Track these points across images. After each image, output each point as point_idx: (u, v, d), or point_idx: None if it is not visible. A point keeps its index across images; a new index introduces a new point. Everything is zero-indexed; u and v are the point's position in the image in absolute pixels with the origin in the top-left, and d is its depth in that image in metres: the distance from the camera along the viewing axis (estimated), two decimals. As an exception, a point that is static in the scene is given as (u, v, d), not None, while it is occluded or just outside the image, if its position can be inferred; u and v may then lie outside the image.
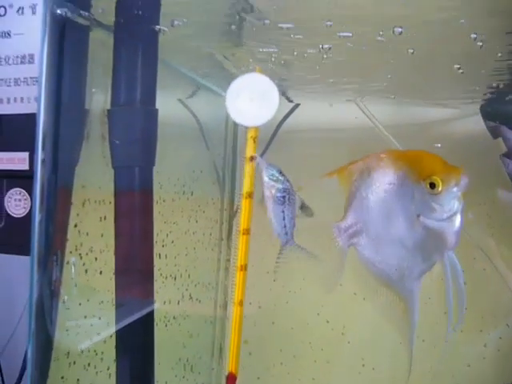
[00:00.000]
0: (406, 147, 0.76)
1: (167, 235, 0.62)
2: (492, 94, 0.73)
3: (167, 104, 0.73)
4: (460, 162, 0.77)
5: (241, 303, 0.48)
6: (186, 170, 0.68)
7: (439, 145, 0.78)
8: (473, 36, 0.50)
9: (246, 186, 0.41)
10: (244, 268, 0.51)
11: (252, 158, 0.42)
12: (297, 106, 0.79)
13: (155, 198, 0.59)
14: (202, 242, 0.71)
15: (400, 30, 0.49)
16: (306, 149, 0.81)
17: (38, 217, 0.46)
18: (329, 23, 0.51)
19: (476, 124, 0.75)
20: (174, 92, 0.75)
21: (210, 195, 0.73)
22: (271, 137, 0.80)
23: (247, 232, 0.48)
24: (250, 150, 0.41)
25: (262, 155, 0.74)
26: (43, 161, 0.48)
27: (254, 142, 0.41)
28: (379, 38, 0.54)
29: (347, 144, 0.79)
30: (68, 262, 0.51)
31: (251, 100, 0.40)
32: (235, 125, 0.81)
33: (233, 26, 0.50)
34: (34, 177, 0.48)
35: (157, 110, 0.49)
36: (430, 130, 0.78)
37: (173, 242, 0.63)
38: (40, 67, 0.47)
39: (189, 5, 0.45)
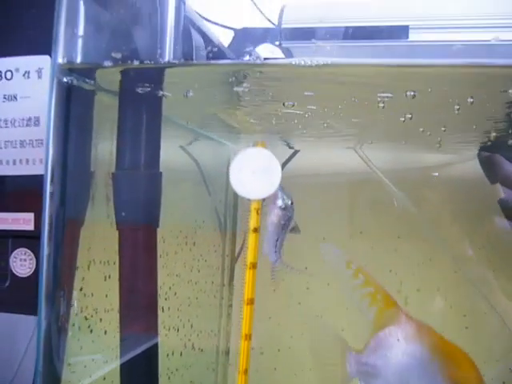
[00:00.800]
0: (404, 190, 0.77)
1: (170, 288, 0.63)
2: (489, 140, 0.74)
3: (168, 150, 0.74)
4: (458, 205, 0.79)
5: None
6: (189, 220, 0.69)
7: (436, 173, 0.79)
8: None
9: (250, 257, 0.42)
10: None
11: (256, 230, 0.43)
12: (296, 152, 0.80)
13: (158, 252, 0.59)
14: (204, 290, 0.72)
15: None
16: (307, 193, 0.82)
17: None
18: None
19: (474, 169, 0.76)
20: (175, 139, 0.76)
21: (211, 243, 0.74)
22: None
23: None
24: (253, 222, 0.42)
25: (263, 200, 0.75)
26: (50, 223, 0.48)
27: (258, 213, 0.41)
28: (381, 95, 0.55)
29: (347, 188, 0.80)
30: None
31: (254, 173, 0.41)
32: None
33: (234, 89, 0.51)
34: (40, 239, 0.48)
35: (161, 174, 0.50)
36: (428, 175, 0.79)
37: (175, 294, 0.64)
38: (47, 132, 0.48)
39: (192, 74, 0.47)
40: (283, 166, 0.82)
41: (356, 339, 0.79)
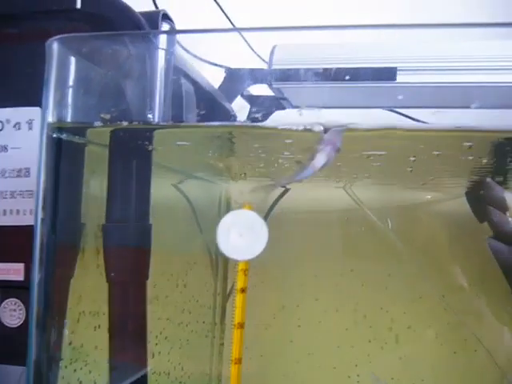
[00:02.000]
0: (394, 228, 0.78)
1: (161, 332, 0.63)
2: (477, 180, 0.75)
3: (160, 188, 0.74)
4: (448, 243, 0.79)
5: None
6: (180, 262, 0.69)
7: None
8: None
9: (237, 317, 0.42)
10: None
11: (243, 290, 0.43)
12: (287, 190, 0.81)
13: (149, 298, 0.60)
14: (195, 331, 0.72)
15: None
16: (298, 230, 0.83)
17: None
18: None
19: (463, 207, 0.76)
20: (167, 177, 0.77)
21: (203, 282, 0.74)
22: (264, 218, 0.82)
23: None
24: (241, 283, 0.42)
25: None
26: (40, 280, 0.49)
27: (245, 274, 0.42)
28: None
29: (337, 226, 0.81)
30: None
31: (241, 235, 0.41)
32: (227, 208, 0.82)
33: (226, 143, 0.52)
34: (29, 289, 0.49)
35: (150, 225, 0.51)
36: (417, 211, 0.80)
37: (166, 338, 0.64)
38: (38, 184, 0.48)
39: (182, 132, 0.48)
40: (274, 203, 0.83)
41: (347, 378, 0.79)
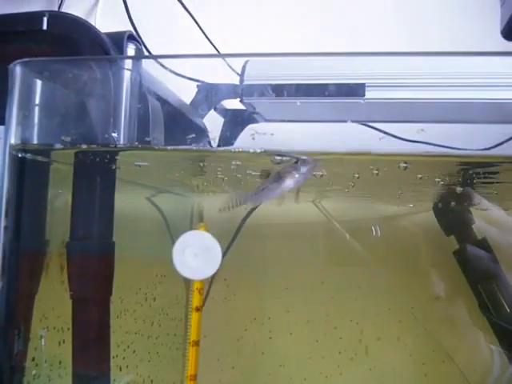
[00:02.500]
0: (364, 241, 0.79)
1: (128, 346, 0.64)
2: (443, 194, 0.77)
3: (131, 202, 0.76)
4: (416, 256, 0.81)
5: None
6: (149, 276, 0.70)
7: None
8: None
9: (193, 335, 0.43)
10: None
11: (198, 309, 0.44)
12: (257, 206, 0.82)
13: (116, 312, 0.60)
14: (165, 344, 0.72)
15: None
16: (270, 244, 0.84)
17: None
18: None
19: (430, 221, 0.78)
20: (139, 191, 0.78)
21: (173, 295, 0.75)
22: (236, 232, 0.83)
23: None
24: (196, 301, 0.43)
25: (226, 250, 0.77)
26: (2, 288, 0.49)
27: (200, 293, 0.43)
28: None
29: (308, 239, 0.82)
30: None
31: (196, 255, 0.42)
32: (200, 220, 0.83)
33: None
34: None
35: (114, 243, 0.51)
36: (386, 224, 0.82)
37: (134, 351, 0.64)
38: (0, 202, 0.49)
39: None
40: (246, 217, 0.84)
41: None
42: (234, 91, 0.70)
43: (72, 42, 0.52)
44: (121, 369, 0.62)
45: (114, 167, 0.51)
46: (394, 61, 0.73)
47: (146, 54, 0.88)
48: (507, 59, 0.48)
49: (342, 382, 0.80)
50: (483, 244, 0.73)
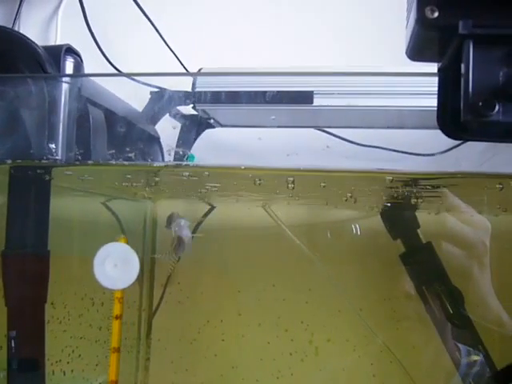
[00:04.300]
0: (313, 244, 0.81)
1: (73, 351, 0.65)
2: (391, 202, 0.79)
3: (84, 207, 0.77)
4: (365, 259, 0.83)
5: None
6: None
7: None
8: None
9: (113, 342, 0.45)
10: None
11: (118, 317, 0.45)
12: (212, 208, 0.84)
13: (59, 315, 0.62)
14: (115, 347, 0.73)
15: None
16: (222, 246, 0.85)
17: None
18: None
19: (378, 225, 0.80)
20: (93, 196, 0.79)
21: (125, 299, 0.76)
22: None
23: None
24: (116, 310, 0.45)
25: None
26: None
27: (120, 302, 0.44)
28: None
29: (259, 242, 0.84)
30: None
31: (115, 266, 0.44)
32: (154, 223, 0.85)
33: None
34: None
35: (48, 252, 0.53)
36: (336, 228, 0.83)
37: (80, 355, 0.66)
38: None
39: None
40: (201, 220, 0.86)
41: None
42: (186, 98, 0.72)
43: (7, 55, 0.53)
44: (65, 373, 0.63)
45: (48, 178, 0.52)
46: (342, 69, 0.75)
47: (105, 62, 0.90)
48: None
49: (293, 383, 0.82)
50: (428, 248, 0.75)
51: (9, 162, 0.45)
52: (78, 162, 0.51)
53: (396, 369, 0.80)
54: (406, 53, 0.41)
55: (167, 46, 0.90)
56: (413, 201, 0.75)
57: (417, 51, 0.40)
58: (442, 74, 0.39)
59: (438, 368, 0.77)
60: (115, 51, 0.91)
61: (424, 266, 0.77)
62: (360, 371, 0.82)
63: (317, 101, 0.75)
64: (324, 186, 0.65)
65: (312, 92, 0.75)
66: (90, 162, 0.52)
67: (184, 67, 0.94)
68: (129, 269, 0.45)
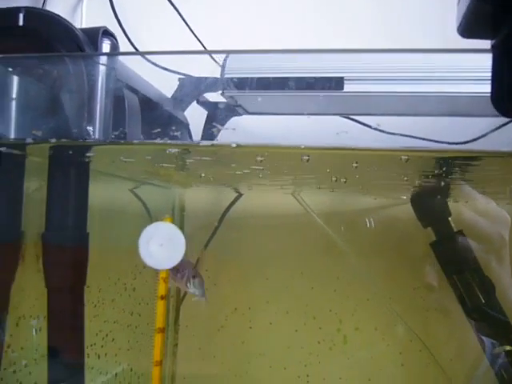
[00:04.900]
0: (342, 233, 0.81)
1: (107, 335, 0.65)
2: (421, 187, 0.78)
3: (113, 194, 0.77)
4: (394, 247, 0.82)
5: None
6: (129, 266, 0.71)
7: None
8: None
9: (158, 322, 0.45)
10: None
11: (163, 297, 0.45)
12: (239, 196, 0.84)
13: (94, 300, 0.62)
14: (145, 333, 0.74)
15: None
16: (251, 234, 0.85)
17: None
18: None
19: (408, 213, 0.79)
20: (122, 183, 0.79)
21: (154, 286, 0.76)
22: (217, 224, 0.85)
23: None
24: (161, 290, 0.45)
25: (208, 241, 0.78)
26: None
27: (165, 282, 0.44)
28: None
29: (288, 230, 0.83)
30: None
31: (161, 245, 0.44)
32: (181, 211, 0.85)
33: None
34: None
35: (88, 234, 0.53)
36: (364, 217, 0.83)
37: (113, 339, 0.66)
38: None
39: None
40: (228, 208, 0.85)
41: (297, 378, 0.82)
42: (215, 84, 0.71)
43: (47, 37, 0.53)
44: (99, 357, 0.64)
45: (87, 160, 0.52)
46: (371, 56, 0.74)
47: (130, 48, 0.89)
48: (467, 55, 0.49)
49: (321, 371, 0.82)
50: (460, 236, 0.74)
51: (53, 140, 0.44)
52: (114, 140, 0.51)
53: (425, 358, 0.80)
54: (458, 30, 0.41)
55: (192, 32, 0.90)
56: (445, 187, 0.74)
57: (469, 28, 0.39)
58: (496, 50, 0.38)
59: (468, 357, 0.76)
60: (139, 37, 0.90)
61: (455, 254, 0.76)
62: (388, 360, 0.81)
63: (347, 87, 0.74)
64: (356, 167, 0.64)
65: (342, 78, 0.74)
66: (133, 140, 0.52)
67: (210, 55, 0.93)
68: (174, 248, 0.44)
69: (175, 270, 0.51)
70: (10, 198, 0.53)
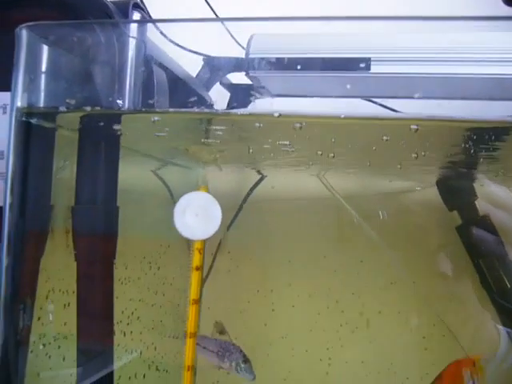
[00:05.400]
0: (366, 215, 0.80)
1: (132, 313, 0.65)
2: (447, 169, 0.77)
3: (138, 174, 0.76)
4: (419, 231, 0.81)
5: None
6: (154, 245, 0.71)
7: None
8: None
9: (192, 294, 0.44)
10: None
11: (198, 268, 0.45)
12: (262, 178, 0.83)
13: (120, 278, 0.62)
14: (169, 313, 0.74)
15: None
16: (273, 216, 0.85)
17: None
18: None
19: (433, 196, 0.78)
20: (145, 164, 0.79)
21: (178, 266, 0.76)
22: (240, 206, 0.84)
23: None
24: (196, 261, 0.44)
25: (231, 223, 0.78)
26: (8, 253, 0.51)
27: (200, 253, 0.44)
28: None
29: (311, 213, 0.83)
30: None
31: (196, 215, 0.43)
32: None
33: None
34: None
35: (118, 208, 0.52)
36: (389, 200, 0.82)
37: (138, 318, 0.66)
38: (7, 165, 0.50)
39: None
40: (251, 190, 0.85)
41: (319, 360, 0.81)
42: (239, 65, 0.70)
43: (77, 8, 0.52)
44: (125, 334, 0.63)
45: (118, 132, 0.52)
46: (400, 35, 0.72)
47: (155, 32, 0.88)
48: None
49: (343, 354, 0.82)
50: (486, 220, 0.73)
51: (88, 109, 0.44)
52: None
53: (448, 342, 0.79)
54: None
55: (215, 14, 0.89)
56: (472, 167, 0.73)
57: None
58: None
59: (492, 342, 0.75)
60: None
61: (481, 238, 0.75)
62: (411, 344, 0.80)
63: (374, 68, 0.73)
64: (387, 140, 0.63)
65: (369, 58, 0.73)
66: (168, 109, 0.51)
67: (232, 36, 0.92)
68: (210, 219, 0.44)
69: (221, 355, 0.50)
70: (38, 172, 0.53)
